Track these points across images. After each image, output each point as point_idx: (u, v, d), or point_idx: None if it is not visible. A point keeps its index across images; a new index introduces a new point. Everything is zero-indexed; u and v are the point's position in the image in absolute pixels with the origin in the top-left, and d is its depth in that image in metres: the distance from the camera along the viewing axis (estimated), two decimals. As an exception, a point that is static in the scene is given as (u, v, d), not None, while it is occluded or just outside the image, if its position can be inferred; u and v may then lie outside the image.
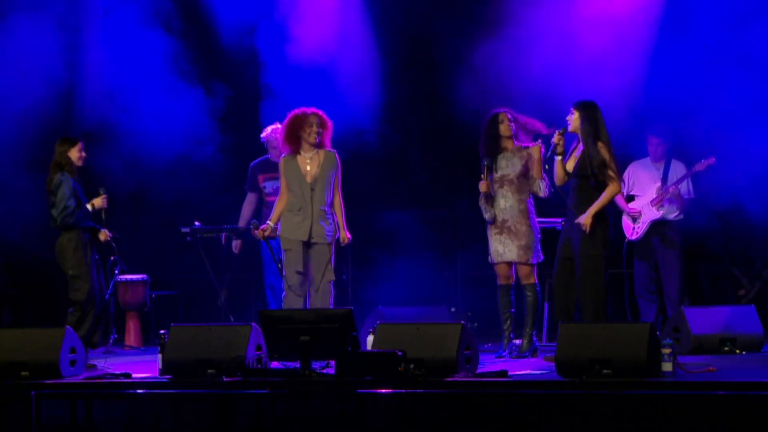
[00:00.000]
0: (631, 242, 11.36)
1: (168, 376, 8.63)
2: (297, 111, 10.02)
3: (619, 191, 9.54)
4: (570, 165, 9.54)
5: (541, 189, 9.89)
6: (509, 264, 10.00)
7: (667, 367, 7.99)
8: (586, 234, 9.30)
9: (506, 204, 9.98)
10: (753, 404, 7.35)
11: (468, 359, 8.34)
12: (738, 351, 9.88)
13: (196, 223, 11.86)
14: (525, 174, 9.94)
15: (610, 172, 9.33)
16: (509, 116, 10.02)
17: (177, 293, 12.89)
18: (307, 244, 9.92)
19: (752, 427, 7.32)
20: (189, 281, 13.11)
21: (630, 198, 11.39)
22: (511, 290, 10.08)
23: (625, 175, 11.40)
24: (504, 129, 10.01)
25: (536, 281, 9.97)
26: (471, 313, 12.20)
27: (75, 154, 10.11)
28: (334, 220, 10.01)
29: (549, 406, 7.68)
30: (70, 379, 8.73)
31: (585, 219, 9.28)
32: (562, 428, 7.62)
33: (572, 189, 9.50)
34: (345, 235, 10.07)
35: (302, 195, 9.93)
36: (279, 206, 10.05)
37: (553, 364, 8.17)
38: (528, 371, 8.68)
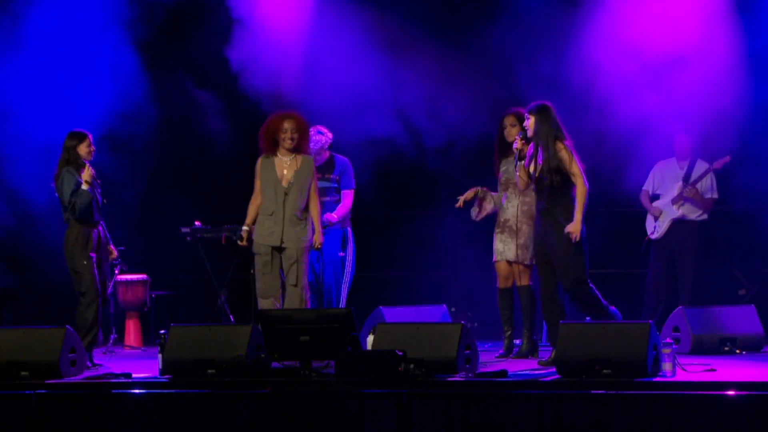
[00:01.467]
0: (650, 241, 11.39)
1: (168, 376, 8.63)
2: (274, 115, 9.99)
3: (587, 189, 9.20)
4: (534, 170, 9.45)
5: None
6: (509, 264, 9.99)
7: (667, 367, 7.99)
8: (562, 235, 9.18)
9: (509, 204, 9.98)
10: (753, 404, 7.35)
11: (468, 359, 8.34)
12: (738, 351, 9.88)
13: (196, 223, 11.85)
14: None
15: (574, 170, 9.22)
16: (515, 119, 9.97)
17: (177, 293, 12.89)
18: (279, 249, 9.89)
19: (752, 427, 7.31)
20: (189, 281, 13.11)
21: (656, 197, 11.42)
22: (511, 293, 10.06)
23: (651, 174, 11.46)
24: (507, 134, 9.99)
25: (530, 282, 9.95)
26: (471, 313, 12.20)
27: (84, 149, 10.09)
28: (309, 225, 9.96)
29: (549, 406, 7.68)
30: (70, 379, 8.73)
31: (573, 228, 9.08)
32: (562, 428, 7.61)
33: (541, 192, 9.36)
34: (319, 239, 10.01)
35: (275, 199, 9.89)
36: (252, 208, 10.02)
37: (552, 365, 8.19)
38: (528, 371, 8.68)
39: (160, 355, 8.80)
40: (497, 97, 11.47)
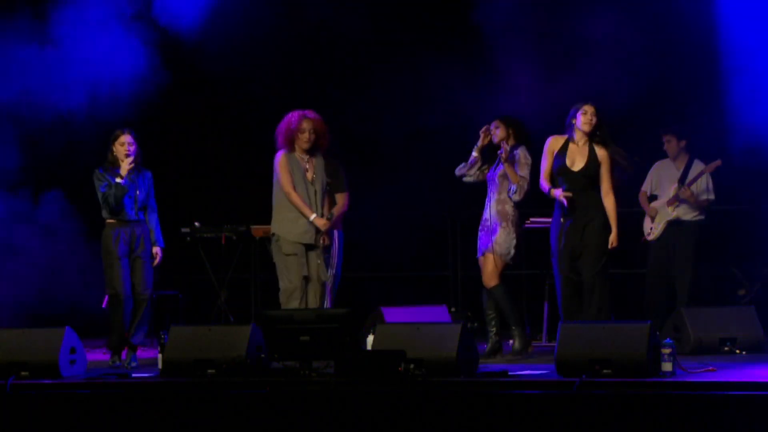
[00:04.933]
0: (647, 242, 11.39)
1: (168, 376, 8.63)
2: (291, 115, 9.93)
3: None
4: (578, 164, 9.50)
5: (510, 192, 9.92)
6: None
7: (667, 367, 7.99)
8: (596, 235, 9.31)
9: (488, 204, 10.04)
10: (753, 404, 7.35)
11: (468, 359, 8.34)
12: (738, 351, 9.88)
13: (196, 223, 11.84)
14: (506, 174, 9.98)
15: (610, 178, 9.44)
16: (497, 123, 10.09)
17: (177, 293, 12.88)
18: (309, 247, 9.88)
19: (752, 427, 7.31)
20: (189, 281, 13.10)
21: (653, 197, 11.43)
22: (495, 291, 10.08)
23: (649, 174, 11.48)
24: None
25: (498, 282, 9.95)
26: (471, 313, 12.19)
27: (117, 147, 10.07)
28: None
29: (549, 406, 7.68)
30: (70, 379, 8.73)
31: (616, 240, 9.44)
32: (561, 428, 7.61)
33: (580, 190, 9.44)
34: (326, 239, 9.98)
35: (307, 196, 9.88)
36: (299, 200, 9.81)
37: (553, 363, 8.19)
38: (528, 371, 8.67)
39: (160, 355, 8.80)
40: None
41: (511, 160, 9.92)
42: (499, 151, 9.94)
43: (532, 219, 11.15)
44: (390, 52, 12.67)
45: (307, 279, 9.84)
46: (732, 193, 12.03)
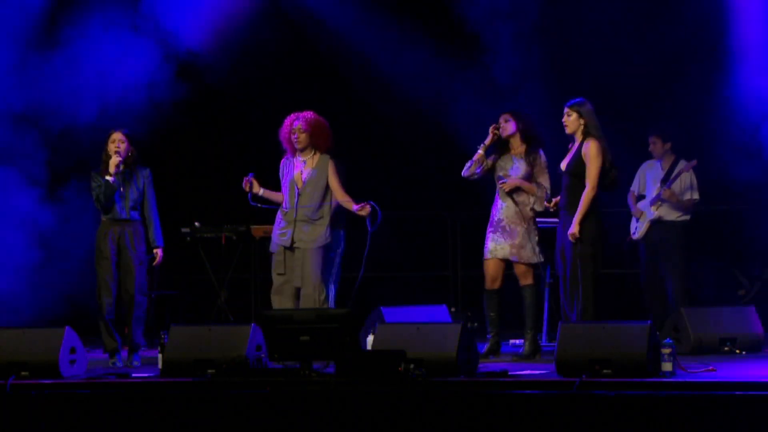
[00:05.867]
0: (632, 241, 11.41)
1: (168, 377, 8.63)
2: (286, 119, 9.98)
3: (594, 194, 9.31)
4: (564, 164, 9.52)
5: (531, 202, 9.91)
6: (499, 262, 9.95)
7: (667, 367, 7.99)
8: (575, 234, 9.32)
9: (503, 203, 9.94)
10: (753, 404, 7.35)
11: (468, 359, 8.34)
12: (738, 351, 9.88)
13: (196, 223, 11.85)
14: (529, 178, 9.89)
15: (592, 172, 9.33)
16: (507, 117, 9.99)
17: (177, 293, 12.90)
18: (290, 249, 9.90)
19: (752, 427, 7.31)
20: (189, 281, 13.11)
21: (642, 197, 11.44)
22: (498, 294, 10.02)
23: (637, 174, 11.49)
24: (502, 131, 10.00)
25: (533, 282, 9.92)
26: (471, 313, 12.20)
27: (109, 145, 10.03)
28: (325, 226, 9.93)
29: (549, 406, 7.68)
30: (70, 379, 8.74)
31: (574, 229, 9.28)
32: (561, 428, 7.61)
33: (564, 188, 9.48)
34: (364, 209, 9.94)
35: (290, 199, 9.93)
36: (276, 195, 10.06)
37: (553, 363, 8.20)
38: (528, 371, 8.68)
39: (160, 355, 8.80)
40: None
41: (530, 167, 9.86)
42: (499, 182, 9.89)
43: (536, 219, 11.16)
44: (391, 53, 12.67)
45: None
46: (731, 193, 12.04)
